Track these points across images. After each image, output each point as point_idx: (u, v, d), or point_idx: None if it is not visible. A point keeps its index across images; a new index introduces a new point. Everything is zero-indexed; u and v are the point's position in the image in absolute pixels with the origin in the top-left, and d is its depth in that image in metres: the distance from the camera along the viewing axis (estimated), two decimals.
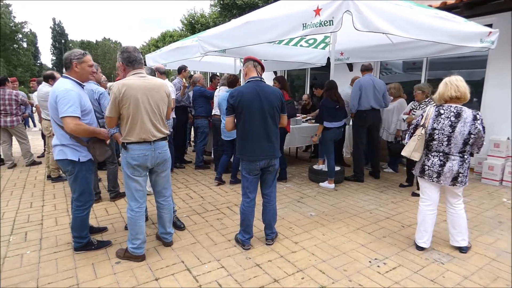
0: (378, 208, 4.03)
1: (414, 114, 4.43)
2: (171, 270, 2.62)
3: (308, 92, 9.66)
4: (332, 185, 4.78)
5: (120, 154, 2.70)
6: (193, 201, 4.24)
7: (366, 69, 5.12)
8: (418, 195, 4.35)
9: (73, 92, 2.54)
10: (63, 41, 54.93)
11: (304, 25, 3.16)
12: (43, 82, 5.07)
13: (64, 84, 2.57)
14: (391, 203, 4.22)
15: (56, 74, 5.09)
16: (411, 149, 2.82)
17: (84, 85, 2.79)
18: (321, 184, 4.90)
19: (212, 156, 6.01)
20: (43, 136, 6.29)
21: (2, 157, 6.23)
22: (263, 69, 2.92)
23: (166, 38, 34.95)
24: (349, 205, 4.14)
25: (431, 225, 2.92)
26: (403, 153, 2.91)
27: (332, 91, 4.54)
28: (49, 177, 5.15)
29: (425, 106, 4.33)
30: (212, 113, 5.68)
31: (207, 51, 5.10)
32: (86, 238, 2.90)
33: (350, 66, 8.19)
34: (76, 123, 2.48)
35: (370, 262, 2.78)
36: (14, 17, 42.16)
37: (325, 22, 2.96)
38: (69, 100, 2.48)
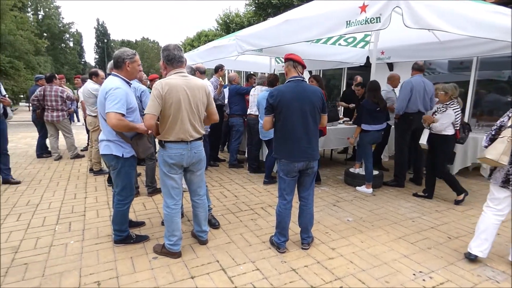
0: (421, 217, 3.80)
1: (435, 116, 4.13)
2: (206, 269, 2.62)
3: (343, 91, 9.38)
4: (370, 190, 4.58)
5: (157, 151, 2.73)
6: (227, 200, 4.24)
7: (418, 68, 4.81)
8: (459, 202, 4.14)
9: (121, 89, 2.61)
10: (105, 40, 57.81)
11: (348, 22, 3.03)
12: (88, 80, 5.32)
13: (113, 82, 2.65)
14: (435, 212, 3.96)
15: (100, 72, 5.31)
16: (500, 151, 2.47)
17: (131, 84, 2.86)
18: (358, 188, 4.72)
19: (246, 155, 5.99)
20: (88, 131, 6.60)
21: (49, 149, 6.64)
22: (304, 68, 2.84)
23: (202, 38, 35.62)
24: (388, 211, 3.94)
25: (493, 235, 2.68)
26: (489, 156, 2.52)
27: (374, 92, 4.34)
28: (91, 170, 5.39)
29: (444, 110, 4.02)
30: (248, 112, 5.67)
31: (245, 50, 5.09)
32: (125, 232, 2.98)
33: (390, 66, 7.84)
34: (118, 118, 2.53)
35: (414, 275, 2.60)
36: (63, 18, 45.05)
37: (372, 19, 2.81)
38: (116, 97, 2.55)
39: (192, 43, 36.70)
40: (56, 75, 6.46)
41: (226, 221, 3.58)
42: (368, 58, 6.92)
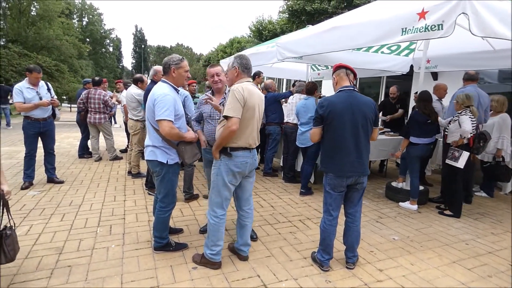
0: (475, 239, 3.48)
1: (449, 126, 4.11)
2: (247, 284, 2.52)
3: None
4: (415, 207, 4.30)
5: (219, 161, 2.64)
6: (263, 210, 4.14)
7: (470, 78, 4.50)
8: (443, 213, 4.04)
9: (170, 96, 2.61)
10: (143, 46, 60.26)
11: (404, 30, 2.85)
12: (132, 84, 5.46)
13: (162, 88, 2.65)
14: (491, 235, 3.62)
15: (145, 78, 5.44)
16: None
17: (179, 90, 2.85)
18: (401, 204, 4.44)
19: (281, 164, 5.87)
20: (128, 134, 6.79)
21: (90, 150, 6.88)
22: (355, 77, 2.69)
23: (234, 44, 36.13)
24: (437, 231, 3.65)
25: None
26: None
27: (425, 103, 4.08)
28: (129, 172, 5.50)
29: (457, 119, 3.96)
30: (285, 120, 5.56)
31: (285, 57, 5.01)
32: (165, 239, 2.96)
33: (435, 75, 7.44)
34: (171, 126, 2.55)
35: None
36: (104, 24, 47.45)
37: (433, 26, 2.61)
38: (165, 104, 2.55)
39: (225, 49, 37.30)
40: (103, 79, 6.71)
41: (264, 233, 3.47)
42: (411, 66, 6.62)
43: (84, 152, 6.86)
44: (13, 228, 2.32)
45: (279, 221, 3.80)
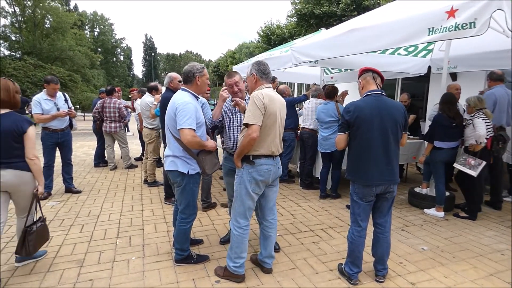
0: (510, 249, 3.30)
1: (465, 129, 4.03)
2: None
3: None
4: (442, 214, 4.12)
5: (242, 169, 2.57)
6: (283, 219, 4.02)
7: (498, 78, 4.34)
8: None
9: (191, 105, 2.56)
10: (153, 54, 61.13)
11: (431, 29, 2.73)
12: (147, 93, 5.45)
13: (183, 97, 2.61)
14: None
15: (159, 87, 5.43)
16: None
17: (199, 98, 2.80)
18: (426, 211, 4.27)
19: (298, 170, 5.75)
20: (142, 142, 6.79)
21: (106, 158, 6.91)
22: (382, 80, 2.58)
23: (243, 50, 36.34)
24: (469, 240, 3.48)
25: None
26: None
27: (449, 105, 3.93)
28: (145, 181, 5.47)
29: (471, 122, 3.90)
30: (301, 126, 5.46)
31: (301, 62, 4.92)
32: (187, 251, 2.88)
33: (454, 76, 7.23)
34: (193, 135, 2.50)
35: None
36: (115, 34, 48.33)
37: (464, 25, 2.49)
38: (187, 113, 2.50)
39: (234, 55, 37.51)
40: (115, 88, 6.74)
41: (287, 243, 3.35)
42: (429, 67, 6.44)
43: (99, 161, 6.89)
44: (45, 221, 2.81)
45: (300, 230, 3.69)
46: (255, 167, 2.49)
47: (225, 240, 3.33)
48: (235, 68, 7.89)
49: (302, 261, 2.99)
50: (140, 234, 3.50)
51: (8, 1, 26.44)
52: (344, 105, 4.78)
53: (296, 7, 21.56)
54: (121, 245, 3.23)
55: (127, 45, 56.23)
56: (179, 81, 4.35)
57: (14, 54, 27.44)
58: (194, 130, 2.52)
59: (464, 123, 4.02)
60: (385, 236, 2.61)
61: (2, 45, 28.20)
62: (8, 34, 28.03)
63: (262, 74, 2.59)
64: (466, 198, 4.23)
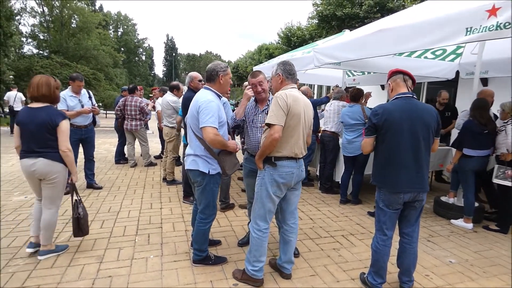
0: None
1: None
2: None
3: None
4: (470, 225, 3.92)
5: (263, 171, 2.52)
6: (303, 223, 3.94)
7: None
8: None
9: (214, 103, 2.53)
10: (173, 54, 62.12)
11: (469, 29, 2.59)
12: (168, 92, 5.49)
13: (206, 95, 2.59)
14: None
15: (181, 86, 5.45)
16: None
17: (221, 97, 2.76)
18: (453, 221, 4.07)
19: (317, 173, 5.64)
20: (162, 141, 6.86)
21: (126, 156, 7.01)
22: (414, 83, 2.46)
23: (262, 51, 36.28)
24: (500, 255, 3.28)
25: None
26: None
27: (481, 111, 3.74)
28: (164, 179, 5.50)
29: (504, 128, 3.78)
30: (322, 128, 5.35)
31: (323, 63, 4.83)
32: (205, 252, 2.84)
33: (484, 81, 6.92)
34: (215, 133, 2.46)
35: None
36: (138, 34, 49.41)
37: (507, 24, 2.34)
38: (210, 111, 2.47)
39: (253, 56, 37.56)
40: (137, 86, 6.84)
41: (306, 249, 3.27)
42: (457, 72, 6.19)
43: (120, 158, 7.00)
44: (83, 206, 3.04)
45: (320, 236, 3.59)
46: (277, 169, 2.43)
47: (243, 242, 3.28)
48: (255, 68, 7.85)
49: (322, 268, 2.90)
50: (158, 232, 3.50)
51: (37, 1, 27.52)
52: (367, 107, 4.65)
53: (318, 9, 21.35)
54: (140, 243, 3.24)
55: (149, 45, 57.52)
56: (199, 81, 4.35)
57: (42, 52, 28.48)
58: (217, 128, 2.48)
59: (496, 130, 3.82)
60: (412, 247, 2.48)
61: (31, 43, 29.36)
62: (37, 33, 29.15)
63: (288, 74, 2.54)
64: (495, 210, 4.01)
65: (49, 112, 2.71)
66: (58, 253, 2.94)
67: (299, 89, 5.52)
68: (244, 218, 3.99)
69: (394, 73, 2.48)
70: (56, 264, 2.77)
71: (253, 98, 3.05)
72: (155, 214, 4.04)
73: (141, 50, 51.75)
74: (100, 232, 3.45)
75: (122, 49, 43.96)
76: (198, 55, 68.74)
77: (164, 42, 66.71)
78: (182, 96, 4.58)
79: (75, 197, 2.99)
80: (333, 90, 5.59)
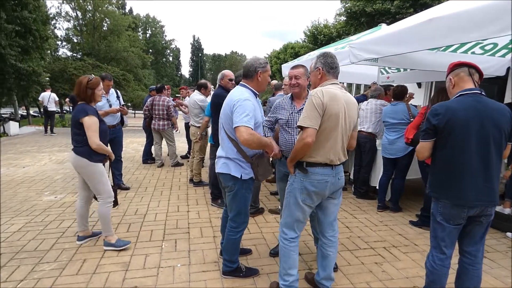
0: None
1: None
2: None
3: None
4: None
5: (294, 176, 2.28)
6: (339, 232, 3.62)
7: None
8: None
9: (250, 102, 2.31)
10: (200, 54, 62.95)
11: None
12: (196, 90, 5.35)
13: (242, 93, 2.37)
14: None
15: (208, 84, 5.30)
16: None
17: (258, 95, 2.54)
18: (509, 234, 3.62)
19: (352, 177, 5.29)
20: (189, 141, 6.75)
21: (153, 155, 6.97)
22: (481, 77, 2.11)
23: (288, 50, 35.88)
24: None
25: None
26: None
27: None
28: (191, 180, 5.37)
29: None
30: (357, 129, 4.99)
31: (361, 59, 4.46)
32: (235, 263, 2.63)
33: None
34: (250, 133, 2.21)
35: None
36: (165, 35, 50.46)
37: None
38: (245, 109, 2.24)
39: (278, 55, 37.22)
40: (165, 86, 6.78)
41: (345, 262, 2.97)
42: (508, 69, 5.61)
43: (148, 157, 6.97)
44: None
45: (359, 247, 3.28)
46: (308, 176, 2.17)
47: (275, 252, 3.03)
48: (284, 66, 7.58)
49: (364, 285, 2.60)
50: (185, 238, 3.33)
51: (71, 6, 28.70)
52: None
53: (346, 5, 20.74)
54: (167, 249, 3.07)
55: (175, 46, 58.44)
56: (230, 80, 4.16)
57: (75, 55, 29.70)
58: (252, 128, 2.24)
59: None
60: (476, 268, 2.13)
61: (65, 47, 30.70)
62: (71, 36, 30.42)
63: (330, 68, 2.24)
64: None
65: (77, 109, 2.84)
66: (118, 248, 2.99)
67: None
68: (275, 225, 3.75)
69: (457, 66, 2.14)
70: (82, 271, 2.65)
71: (290, 95, 2.81)
72: (182, 217, 3.88)
73: (168, 51, 52.83)
74: (126, 236, 3.32)
75: (150, 50, 45.01)
76: (224, 55, 69.24)
77: (191, 43, 67.83)
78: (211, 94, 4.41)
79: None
80: (369, 88, 5.22)
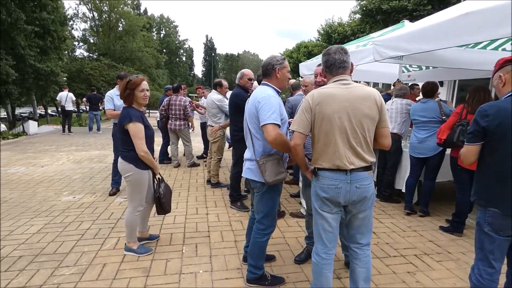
0: None
1: None
2: None
3: None
4: None
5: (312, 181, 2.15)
6: None
7: None
8: None
9: (275, 98, 2.26)
10: (213, 54, 63.17)
11: None
12: (213, 90, 5.25)
13: (265, 90, 2.31)
14: None
15: (224, 82, 5.19)
16: None
17: (280, 93, 2.44)
18: None
19: (375, 179, 5.09)
20: (205, 141, 6.67)
21: (169, 155, 6.92)
22: None
23: (301, 49, 35.58)
24: None
25: None
26: None
27: None
28: (208, 181, 5.27)
29: None
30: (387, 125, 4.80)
31: (387, 57, 4.26)
32: (261, 270, 2.50)
33: None
34: (278, 132, 2.14)
35: None
36: (179, 35, 50.84)
37: None
38: (271, 106, 2.18)
39: (291, 54, 36.97)
40: (181, 85, 6.71)
41: (375, 270, 2.80)
42: None
43: (164, 158, 6.93)
44: (163, 180, 3.16)
45: (389, 255, 3.10)
46: (318, 180, 2.03)
47: (300, 260, 2.89)
48: (301, 65, 7.42)
49: None
50: (206, 242, 3.23)
51: (88, 7, 29.18)
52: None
53: (362, 3, 20.36)
54: (188, 254, 2.97)
55: (189, 46, 58.81)
56: (249, 79, 4.06)
57: (91, 55, 30.20)
58: (280, 125, 2.17)
59: None
60: None
61: (82, 47, 31.26)
62: (87, 37, 30.94)
63: (326, 67, 2.06)
64: None
65: (122, 114, 2.75)
66: (138, 255, 2.90)
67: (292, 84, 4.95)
68: (297, 229, 3.61)
69: (508, 61, 1.95)
70: (102, 276, 2.57)
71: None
72: (201, 220, 3.78)
73: (181, 51, 53.22)
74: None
75: (164, 50, 45.42)
76: (236, 54, 69.28)
77: (204, 43, 68.10)
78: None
79: (157, 176, 3.08)
80: (394, 86, 5.01)
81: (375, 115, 1.98)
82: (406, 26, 5.02)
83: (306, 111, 1.96)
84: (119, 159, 2.83)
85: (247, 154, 2.43)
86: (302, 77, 6.45)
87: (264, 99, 2.23)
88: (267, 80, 2.42)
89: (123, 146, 2.78)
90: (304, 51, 33.72)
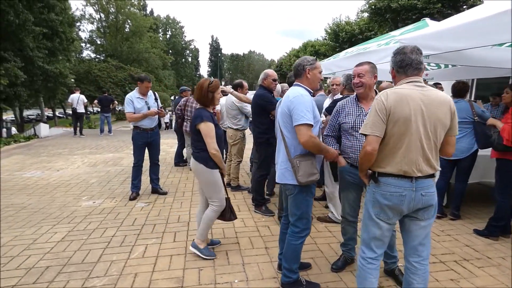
0: None
1: None
2: None
3: None
4: None
5: (368, 187, 2.04)
6: (399, 242, 3.32)
7: None
8: None
9: (308, 97, 2.26)
10: (218, 54, 63.18)
11: None
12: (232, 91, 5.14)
13: (298, 90, 2.32)
14: None
15: (244, 83, 5.08)
16: None
17: (312, 94, 2.44)
18: None
19: None
20: (226, 143, 6.56)
21: (185, 158, 6.83)
22: None
23: (307, 48, 35.45)
24: None
25: None
26: None
27: None
28: (228, 184, 5.17)
29: None
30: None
31: None
32: (295, 274, 2.44)
33: None
34: (311, 135, 2.18)
35: None
36: (185, 36, 50.93)
37: None
38: (304, 106, 2.20)
39: (298, 54, 36.81)
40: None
41: None
42: None
43: (179, 160, 6.85)
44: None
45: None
46: (379, 187, 1.92)
47: (337, 267, 2.78)
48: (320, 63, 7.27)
49: None
50: (236, 249, 3.13)
51: (95, 8, 29.30)
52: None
53: (371, 1, 20.19)
54: (220, 263, 2.87)
55: (194, 46, 58.83)
56: (274, 80, 3.96)
57: (99, 56, 30.33)
58: (313, 125, 2.19)
59: None
60: None
61: (89, 48, 31.39)
62: (94, 38, 31.07)
63: (399, 67, 1.93)
64: None
65: (196, 114, 2.79)
66: (203, 256, 2.90)
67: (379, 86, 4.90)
68: (327, 234, 3.49)
69: None
70: (135, 285, 2.48)
71: (354, 96, 2.58)
72: (227, 226, 3.68)
73: (187, 51, 53.27)
74: (175, 246, 3.15)
75: (170, 51, 45.49)
76: (242, 54, 69.21)
77: (209, 43, 68.14)
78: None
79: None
80: None
81: (448, 121, 1.90)
82: (431, 25, 4.88)
83: (380, 112, 1.83)
84: (192, 160, 2.88)
85: (278, 157, 2.42)
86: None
87: (296, 99, 2.23)
88: (298, 81, 2.43)
89: (195, 147, 2.84)
90: (310, 51, 33.57)
